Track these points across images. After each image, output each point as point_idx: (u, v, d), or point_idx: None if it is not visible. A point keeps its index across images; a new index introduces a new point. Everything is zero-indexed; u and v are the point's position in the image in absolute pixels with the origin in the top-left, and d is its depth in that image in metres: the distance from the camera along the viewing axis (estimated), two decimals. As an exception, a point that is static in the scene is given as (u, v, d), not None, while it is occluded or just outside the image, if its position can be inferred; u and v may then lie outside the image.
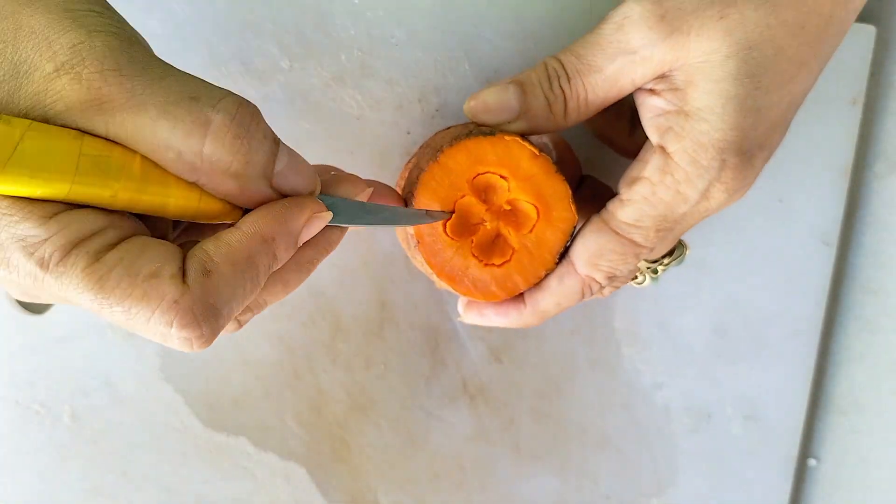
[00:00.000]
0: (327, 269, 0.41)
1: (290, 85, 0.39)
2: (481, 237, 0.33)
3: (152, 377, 0.42)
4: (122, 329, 0.42)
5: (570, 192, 0.32)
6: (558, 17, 0.38)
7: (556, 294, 0.34)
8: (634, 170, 0.32)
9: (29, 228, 0.23)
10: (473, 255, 0.33)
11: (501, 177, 0.32)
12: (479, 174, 0.32)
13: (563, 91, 0.31)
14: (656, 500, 0.45)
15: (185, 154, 0.24)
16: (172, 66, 0.25)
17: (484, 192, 0.33)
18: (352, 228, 0.30)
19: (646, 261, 0.34)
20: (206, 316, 0.24)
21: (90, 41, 0.23)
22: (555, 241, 0.33)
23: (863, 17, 0.42)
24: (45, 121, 0.23)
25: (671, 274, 0.42)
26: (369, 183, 0.31)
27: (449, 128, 0.36)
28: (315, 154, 0.40)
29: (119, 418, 0.42)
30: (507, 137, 0.32)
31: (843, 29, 0.31)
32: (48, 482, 0.43)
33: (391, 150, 0.40)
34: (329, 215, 0.27)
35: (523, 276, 0.33)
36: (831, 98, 0.41)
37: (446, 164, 0.32)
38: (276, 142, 0.26)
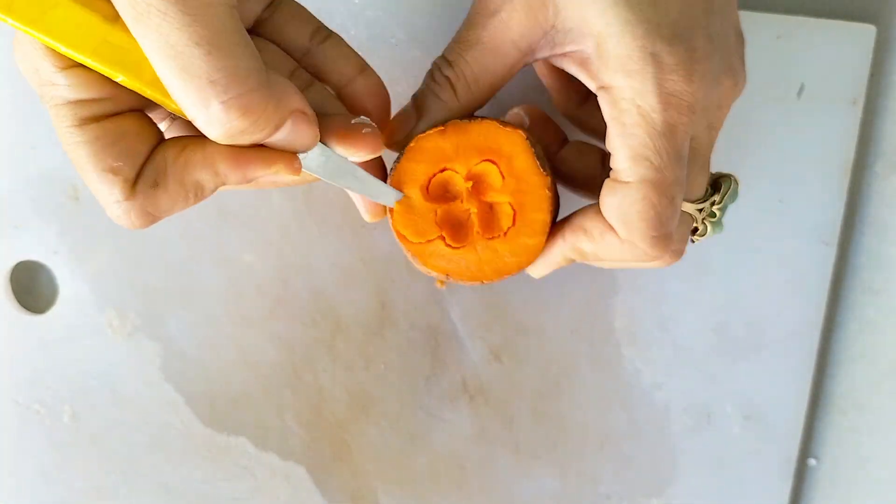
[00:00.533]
0: (327, 269, 0.41)
1: (290, 85, 0.39)
2: (481, 223, 0.32)
3: (152, 377, 0.42)
4: (122, 329, 0.42)
5: (490, 121, 0.32)
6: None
7: (597, 245, 0.32)
8: (604, 124, 0.31)
9: (43, 66, 0.25)
10: (436, 223, 0.33)
11: (493, 163, 0.32)
12: (474, 162, 0.32)
13: (446, 77, 0.32)
14: (656, 500, 0.45)
15: (184, 109, 0.25)
16: (234, 34, 0.25)
17: (447, 191, 0.33)
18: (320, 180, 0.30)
19: (694, 205, 0.32)
20: (142, 220, 0.27)
21: None
22: (525, 161, 0.32)
23: (863, 17, 0.42)
24: None
25: (671, 273, 0.42)
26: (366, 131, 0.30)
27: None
28: (315, 154, 0.40)
29: (119, 418, 0.42)
30: (485, 121, 0.32)
31: None
32: (48, 482, 0.43)
33: (390, 152, 0.40)
34: (290, 174, 0.28)
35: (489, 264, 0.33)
36: (831, 98, 0.41)
37: (399, 212, 0.32)
38: (288, 115, 0.26)
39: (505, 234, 0.32)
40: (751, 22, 0.39)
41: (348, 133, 0.29)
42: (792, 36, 0.41)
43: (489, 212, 0.33)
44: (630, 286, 0.42)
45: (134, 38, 0.24)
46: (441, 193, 0.33)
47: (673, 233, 0.31)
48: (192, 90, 0.24)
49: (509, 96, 0.38)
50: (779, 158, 0.42)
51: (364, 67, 0.32)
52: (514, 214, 0.32)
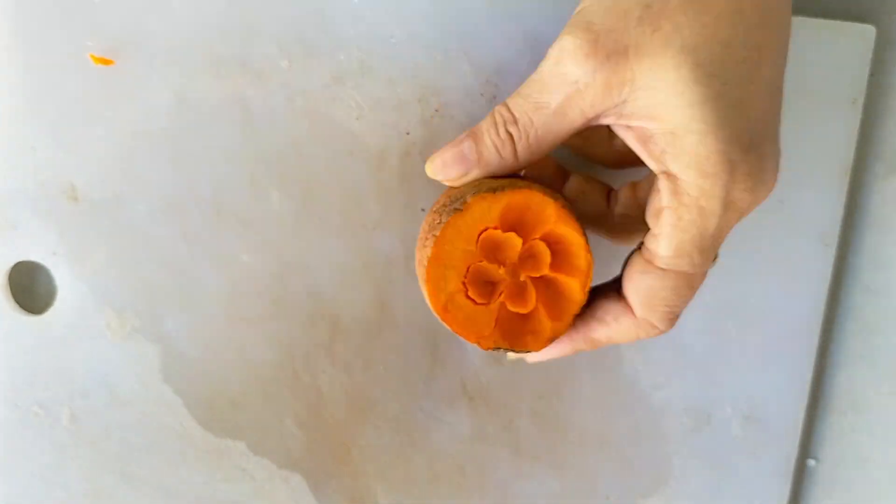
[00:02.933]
0: (326, 270, 0.41)
1: (289, 85, 0.39)
2: (509, 293, 0.32)
3: (151, 379, 0.42)
4: (121, 330, 0.42)
5: (582, 237, 0.32)
6: (558, 18, 0.38)
7: (611, 329, 0.34)
8: (653, 202, 0.31)
9: None
10: (507, 311, 0.33)
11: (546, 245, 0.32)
12: (481, 233, 0.32)
13: (510, 134, 0.32)
14: (655, 501, 0.45)
15: None
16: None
17: (493, 252, 0.32)
18: None
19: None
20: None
21: None
22: (575, 285, 0.33)
23: (862, 17, 0.42)
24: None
25: (671, 274, 0.42)
26: None
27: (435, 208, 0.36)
28: (314, 154, 0.40)
29: (118, 420, 0.42)
30: (479, 198, 0.31)
31: None
32: (46, 484, 0.43)
33: (390, 151, 0.40)
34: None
35: (555, 319, 0.33)
36: (831, 98, 0.41)
37: (443, 247, 0.32)
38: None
39: (532, 311, 0.33)
40: (751, 22, 0.39)
41: None
42: (792, 36, 0.41)
43: (527, 259, 0.33)
44: (630, 287, 0.42)
45: None
46: (489, 249, 0.32)
47: (677, 313, 0.33)
48: None
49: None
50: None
51: None
52: (550, 246, 0.32)
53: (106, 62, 0.38)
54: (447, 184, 0.34)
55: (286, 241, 0.41)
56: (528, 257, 0.33)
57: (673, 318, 0.33)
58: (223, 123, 0.39)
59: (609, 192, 0.37)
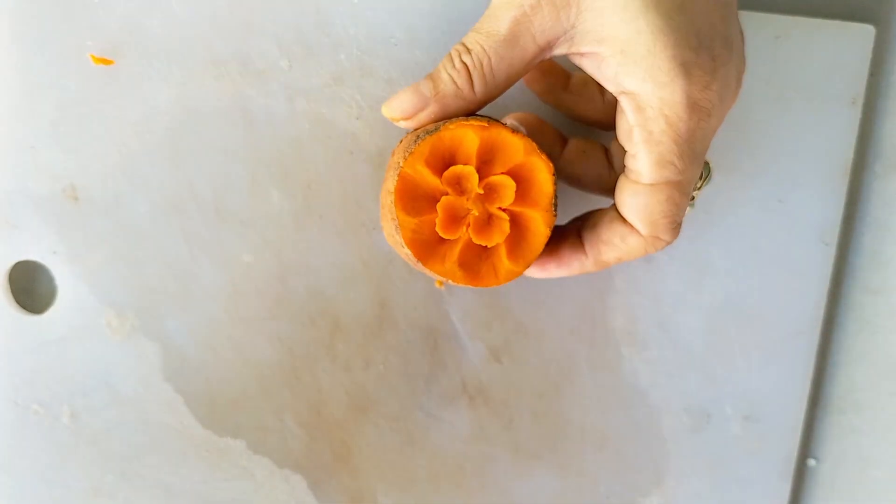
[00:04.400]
0: (327, 269, 0.41)
1: (289, 85, 0.39)
2: (475, 227, 0.33)
3: (152, 377, 0.42)
4: (121, 329, 0.42)
5: (531, 142, 0.32)
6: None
7: (619, 250, 0.34)
8: (622, 125, 0.32)
9: None
10: (470, 244, 0.33)
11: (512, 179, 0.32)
12: (447, 166, 0.32)
13: (464, 64, 0.32)
14: (655, 500, 0.45)
15: None
16: None
17: (458, 185, 0.32)
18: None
19: None
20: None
21: None
22: (542, 195, 0.33)
23: (862, 17, 0.42)
24: None
25: (671, 273, 0.42)
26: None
27: (401, 140, 0.36)
28: (314, 154, 0.40)
29: (118, 418, 0.42)
30: (448, 126, 0.32)
31: None
32: (47, 482, 0.43)
33: (390, 151, 0.40)
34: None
35: (529, 242, 0.33)
36: (830, 98, 0.41)
37: (408, 175, 0.32)
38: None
39: (493, 247, 0.33)
40: (750, 22, 0.39)
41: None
42: (791, 36, 0.41)
43: (492, 192, 0.33)
44: (629, 286, 0.42)
45: None
46: (454, 182, 0.32)
47: (679, 220, 0.33)
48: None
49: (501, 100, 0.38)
50: (778, 158, 0.42)
51: None
52: (509, 234, 0.32)
53: (106, 62, 0.38)
54: (405, 125, 0.34)
55: (286, 241, 0.41)
56: (493, 190, 0.32)
57: (676, 228, 0.33)
58: (223, 123, 0.39)
59: (606, 152, 0.37)
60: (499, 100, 0.34)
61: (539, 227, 0.33)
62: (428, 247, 0.33)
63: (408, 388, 0.43)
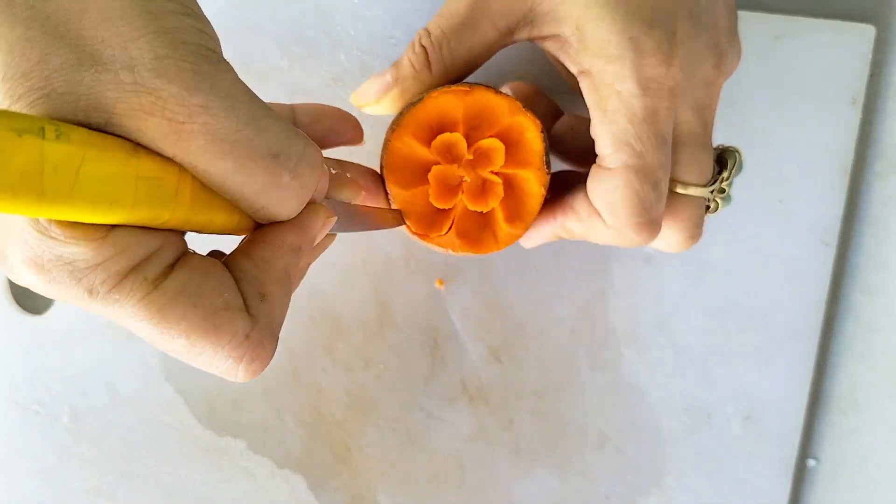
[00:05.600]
0: (327, 270, 0.41)
1: (289, 85, 0.39)
2: (469, 192, 0.32)
3: (152, 377, 0.42)
4: (121, 329, 0.42)
5: (515, 102, 0.32)
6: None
7: (584, 225, 0.33)
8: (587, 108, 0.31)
9: (78, 253, 0.20)
10: (465, 212, 0.33)
11: (501, 142, 0.32)
12: (432, 139, 0.32)
13: (423, 48, 0.32)
14: (655, 500, 0.45)
15: (246, 200, 0.23)
16: (254, 96, 0.23)
17: (447, 153, 0.32)
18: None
19: (706, 189, 0.32)
20: (270, 345, 0.23)
21: (177, 58, 0.20)
22: (532, 153, 0.32)
23: (862, 18, 0.42)
24: (104, 126, 0.20)
25: (670, 273, 0.42)
26: (361, 177, 0.31)
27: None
28: (314, 154, 0.40)
29: (118, 419, 0.42)
30: (432, 94, 0.32)
31: None
32: (47, 482, 0.43)
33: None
34: (334, 219, 0.27)
35: (525, 203, 0.33)
36: (831, 98, 0.41)
37: (396, 147, 0.32)
38: (322, 176, 0.25)
39: (490, 212, 0.32)
40: (750, 22, 0.39)
41: (338, 180, 0.29)
42: (791, 36, 0.41)
43: (482, 157, 0.32)
44: (629, 287, 0.42)
45: (164, 163, 0.21)
46: (443, 151, 0.32)
47: (660, 217, 0.31)
48: (259, 173, 0.22)
49: (499, 69, 0.38)
50: (778, 158, 0.42)
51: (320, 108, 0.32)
52: (505, 197, 0.32)
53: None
54: (371, 111, 0.34)
55: (286, 240, 0.41)
56: (483, 154, 0.32)
57: (643, 224, 0.30)
58: (223, 123, 0.39)
59: None
60: (500, 68, 0.33)
61: (533, 186, 0.32)
62: (424, 219, 0.32)
63: (408, 388, 0.43)
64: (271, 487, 0.43)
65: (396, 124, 0.32)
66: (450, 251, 0.33)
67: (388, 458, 0.43)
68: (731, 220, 0.42)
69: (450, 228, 0.33)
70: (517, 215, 0.33)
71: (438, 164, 0.32)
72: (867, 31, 0.41)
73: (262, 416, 0.43)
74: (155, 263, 0.21)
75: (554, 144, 0.36)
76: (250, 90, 0.23)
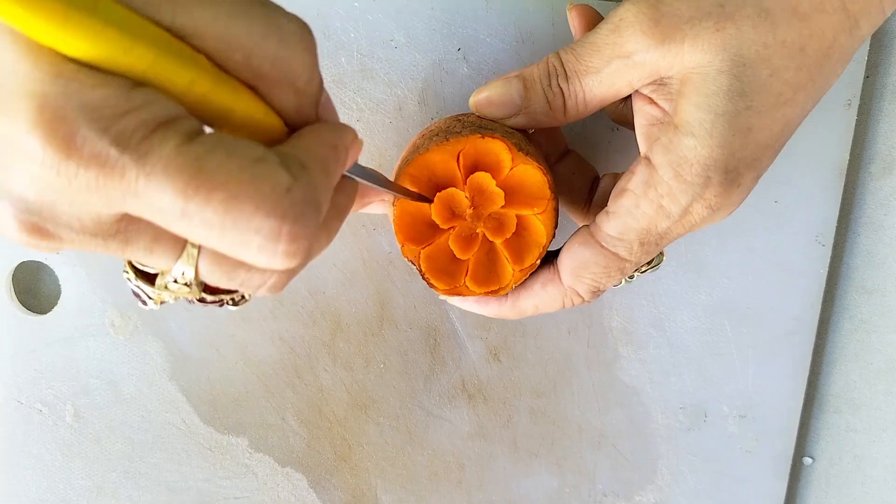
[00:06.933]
0: (327, 269, 0.42)
1: (290, 87, 0.39)
2: (460, 230, 0.33)
3: (155, 376, 0.42)
4: (124, 328, 0.42)
5: (542, 173, 0.32)
6: (556, 20, 0.39)
7: (538, 297, 0.34)
8: (623, 181, 0.32)
9: (107, 96, 0.18)
10: (450, 246, 0.33)
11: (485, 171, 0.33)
12: (472, 173, 0.32)
13: (560, 89, 0.32)
14: (652, 497, 0.45)
15: (255, 57, 0.21)
16: None
17: (476, 193, 0.33)
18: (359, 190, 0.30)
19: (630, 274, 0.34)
20: (314, 213, 0.21)
21: None
22: (533, 247, 0.33)
23: (857, 20, 0.42)
24: None
25: (667, 273, 0.42)
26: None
27: (451, 119, 0.36)
28: (315, 155, 0.40)
29: (121, 417, 0.43)
30: (493, 138, 0.32)
31: (846, 57, 0.30)
32: (51, 481, 0.43)
33: (391, 152, 0.40)
34: (362, 142, 0.26)
35: (493, 280, 0.33)
36: (827, 100, 0.41)
37: (428, 158, 0.32)
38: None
39: (499, 258, 0.33)
40: (746, 25, 0.40)
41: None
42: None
43: (495, 221, 0.33)
44: (626, 287, 0.43)
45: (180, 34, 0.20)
46: (447, 212, 0.33)
47: (601, 289, 0.33)
48: (255, 15, 0.21)
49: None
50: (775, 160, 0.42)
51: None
52: (519, 221, 0.33)
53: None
54: (484, 116, 0.33)
55: (287, 241, 0.41)
56: (483, 198, 0.33)
57: (597, 292, 0.33)
58: (225, 125, 0.40)
59: (595, 180, 0.37)
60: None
61: (506, 276, 0.33)
62: (441, 269, 0.33)
63: (408, 387, 0.43)
64: (273, 485, 0.44)
65: (461, 134, 0.32)
66: (460, 296, 0.34)
67: (389, 456, 0.44)
68: (726, 221, 0.42)
69: (466, 275, 0.34)
70: (522, 255, 0.33)
71: (451, 227, 0.33)
72: (862, 34, 0.41)
73: (263, 414, 0.43)
74: (185, 121, 0.20)
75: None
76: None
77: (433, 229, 0.33)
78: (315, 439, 0.43)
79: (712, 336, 0.43)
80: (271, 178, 0.20)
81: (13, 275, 0.42)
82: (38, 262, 0.42)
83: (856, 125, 0.42)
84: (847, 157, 0.42)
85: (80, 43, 0.18)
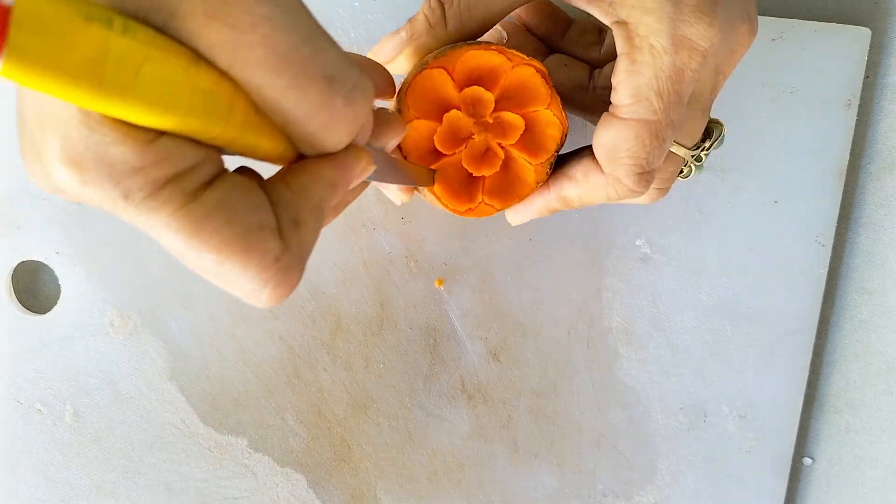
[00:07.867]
0: (328, 269, 0.42)
1: (290, 87, 0.39)
2: (471, 150, 0.33)
3: (154, 376, 0.42)
4: (123, 328, 0.42)
5: (557, 98, 0.32)
6: (556, 20, 0.39)
7: (581, 187, 0.33)
8: (615, 63, 0.31)
9: (122, 154, 0.19)
10: (463, 167, 0.33)
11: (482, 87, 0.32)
12: (465, 87, 0.32)
13: (440, 2, 0.31)
14: (651, 498, 0.45)
15: (297, 123, 0.22)
16: (314, 17, 0.22)
17: (472, 106, 0.32)
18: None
19: (685, 148, 0.32)
20: (298, 272, 0.23)
21: None
22: (544, 146, 0.33)
23: (857, 20, 0.42)
24: (161, 27, 0.20)
25: (666, 273, 0.42)
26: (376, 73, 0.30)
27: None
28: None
29: (121, 417, 0.43)
30: (490, 47, 0.31)
31: None
32: (50, 480, 0.43)
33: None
34: (373, 167, 0.26)
35: (515, 186, 0.33)
36: (826, 100, 0.41)
37: (431, 74, 0.32)
38: (370, 114, 0.25)
39: (479, 180, 0.33)
40: (746, 25, 0.40)
41: (381, 116, 0.28)
42: (787, 38, 0.41)
43: (498, 126, 0.32)
44: (626, 287, 0.43)
45: (220, 78, 0.20)
46: (469, 101, 0.32)
47: (655, 171, 0.31)
48: (313, 93, 0.21)
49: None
50: (774, 159, 0.42)
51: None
52: (525, 119, 0.32)
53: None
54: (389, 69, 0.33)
55: (287, 240, 0.41)
56: (501, 125, 0.32)
57: (643, 175, 0.31)
58: (225, 124, 0.39)
59: (593, 70, 0.36)
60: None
61: (528, 177, 0.33)
62: (417, 149, 0.33)
63: (407, 387, 0.43)
64: (272, 485, 0.44)
65: (442, 54, 0.32)
66: (425, 192, 0.33)
67: (388, 456, 0.44)
68: (726, 221, 0.42)
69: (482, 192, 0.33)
70: (501, 195, 0.33)
71: (459, 109, 0.32)
72: (863, 34, 0.41)
73: (262, 414, 0.43)
74: (195, 176, 0.21)
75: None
76: (311, 11, 0.22)
77: (440, 114, 0.32)
78: (314, 439, 0.43)
79: (712, 336, 0.43)
80: (262, 247, 0.21)
81: (13, 275, 0.42)
82: (38, 262, 0.42)
83: (856, 125, 0.42)
84: (847, 157, 0.42)
85: (111, 110, 0.19)
